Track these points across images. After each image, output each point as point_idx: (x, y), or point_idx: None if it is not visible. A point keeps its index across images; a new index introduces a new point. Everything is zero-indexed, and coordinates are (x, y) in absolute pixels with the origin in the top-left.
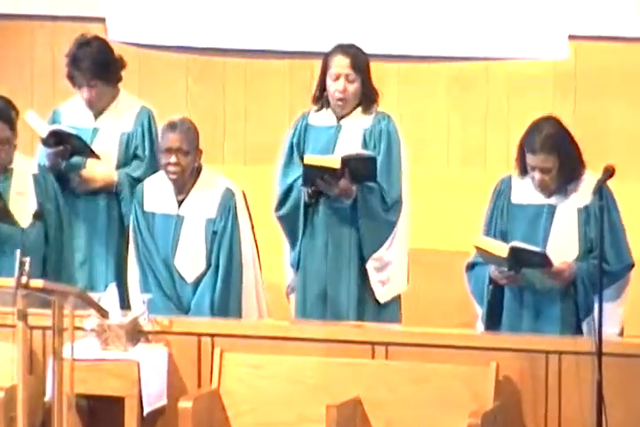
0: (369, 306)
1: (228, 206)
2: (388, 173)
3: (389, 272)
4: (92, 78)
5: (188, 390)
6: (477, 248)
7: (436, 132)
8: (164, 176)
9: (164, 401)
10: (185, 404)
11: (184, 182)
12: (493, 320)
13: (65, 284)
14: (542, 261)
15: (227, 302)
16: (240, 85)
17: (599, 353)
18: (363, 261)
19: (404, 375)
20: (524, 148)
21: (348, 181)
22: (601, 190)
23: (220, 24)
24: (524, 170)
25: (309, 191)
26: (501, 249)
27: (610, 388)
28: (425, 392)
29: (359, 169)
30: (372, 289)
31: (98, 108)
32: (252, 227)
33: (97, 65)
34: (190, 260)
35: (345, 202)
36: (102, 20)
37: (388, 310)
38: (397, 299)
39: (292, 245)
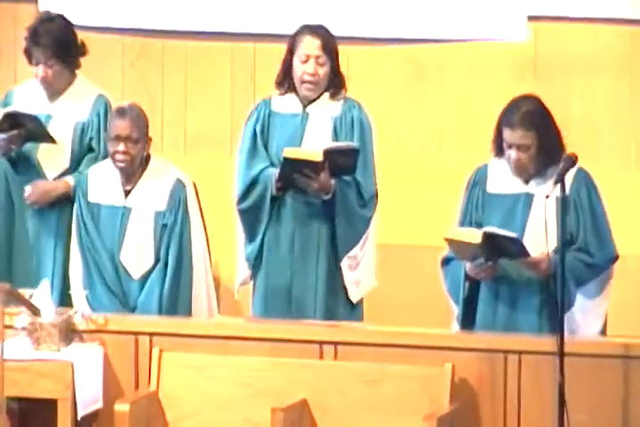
0: (339, 306)
1: (178, 198)
2: (363, 166)
3: (362, 270)
4: (50, 57)
5: (124, 393)
6: (449, 241)
7: (391, 119)
8: (111, 165)
9: (99, 404)
10: (122, 407)
11: (132, 172)
12: (469, 319)
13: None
14: (518, 248)
15: (176, 300)
16: (180, 69)
17: (561, 353)
18: (333, 257)
19: (354, 377)
20: (502, 125)
21: (327, 174)
22: (562, 181)
23: (158, 3)
24: (500, 150)
25: (278, 184)
26: (474, 235)
27: (572, 390)
28: (377, 395)
29: (341, 162)
30: (344, 288)
31: (52, 91)
32: (203, 220)
33: (57, 43)
34: (137, 255)
35: (323, 197)
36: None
37: (358, 310)
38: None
39: (251, 238)
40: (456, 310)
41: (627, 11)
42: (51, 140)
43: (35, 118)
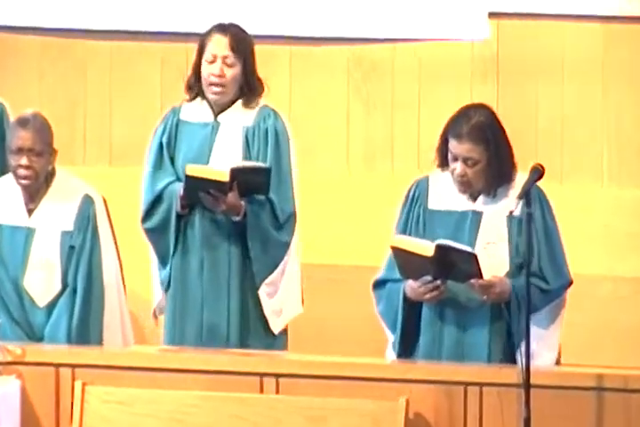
0: (257, 337)
1: (86, 216)
2: (277, 183)
3: (283, 297)
4: None
5: None
6: (395, 250)
7: (335, 127)
8: (11, 181)
9: None
10: None
11: (36, 188)
12: (407, 347)
13: None
14: (471, 266)
15: (86, 330)
16: (104, 73)
17: (527, 385)
18: (250, 282)
19: (298, 412)
20: (448, 134)
21: (236, 195)
22: (528, 194)
23: (79, 0)
24: (444, 161)
25: (183, 201)
26: (426, 248)
27: (538, 425)
28: None
29: (251, 181)
30: (263, 317)
31: None
32: (115, 240)
33: None
34: (43, 280)
35: (234, 219)
36: None
37: (280, 341)
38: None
39: (162, 261)
40: (391, 336)
41: (597, 6)
42: None
43: None
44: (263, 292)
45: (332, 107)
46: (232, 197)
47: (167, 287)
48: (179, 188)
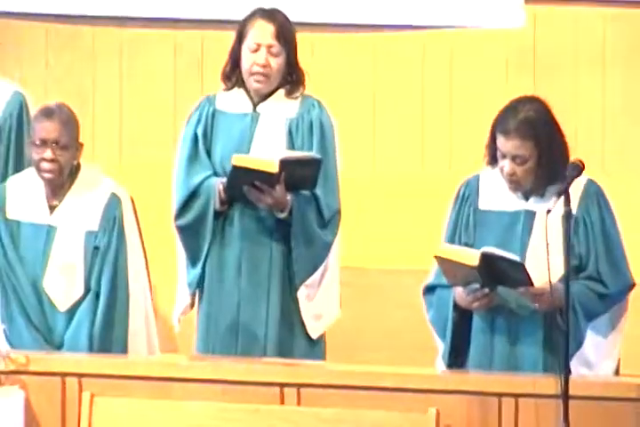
0: (295, 342)
1: (113, 217)
2: (324, 179)
3: (322, 301)
4: None
5: None
6: (440, 260)
7: (363, 121)
8: (33, 175)
9: None
10: None
11: (60, 184)
12: (458, 357)
13: None
14: (520, 275)
15: (109, 337)
16: (114, 61)
17: (565, 396)
18: (288, 286)
19: (320, 425)
20: (496, 130)
21: (283, 189)
22: (567, 193)
23: None
24: (494, 158)
25: (222, 196)
26: (471, 257)
27: None
28: None
29: (300, 174)
30: (301, 322)
31: None
32: (142, 243)
33: None
34: (64, 282)
35: (278, 215)
36: None
37: (318, 347)
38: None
39: (193, 261)
40: (441, 345)
41: None
42: None
43: None
44: (302, 294)
45: (355, 102)
46: (280, 190)
47: (196, 289)
48: (217, 183)
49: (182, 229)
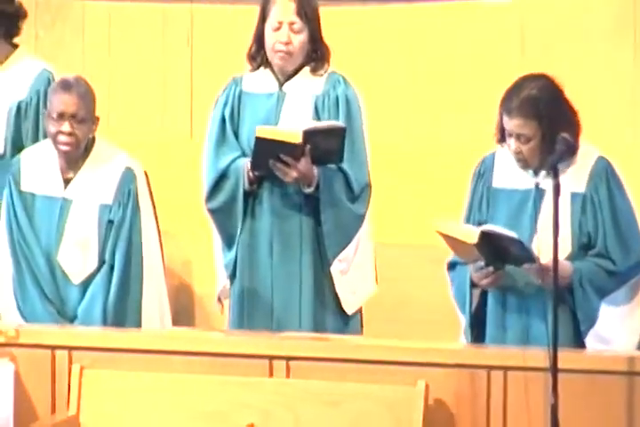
0: (330, 318)
1: (128, 190)
2: (351, 152)
3: (357, 275)
4: None
5: (39, 417)
6: (443, 236)
7: (392, 93)
8: (48, 147)
9: None
10: None
11: (75, 157)
12: (478, 333)
13: None
14: (521, 252)
15: (123, 310)
16: (102, 34)
17: (554, 369)
18: (321, 261)
19: (309, 397)
20: (502, 108)
21: (308, 161)
22: (555, 167)
23: None
24: (502, 136)
25: (251, 175)
26: (470, 235)
27: (566, 412)
28: (336, 418)
29: (325, 146)
30: (335, 297)
31: None
32: (156, 217)
33: None
34: (78, 255)
35: (305, 190)
36: None
37: (354, 322)
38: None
39: (229, 243)
40: (463, 320)
41: None
42: None
43: None
44: (336, 269)
45: (367, 76)
46: (305, 163)
47: (233, 272)
48: (245, 163)
49: (214, 212)
